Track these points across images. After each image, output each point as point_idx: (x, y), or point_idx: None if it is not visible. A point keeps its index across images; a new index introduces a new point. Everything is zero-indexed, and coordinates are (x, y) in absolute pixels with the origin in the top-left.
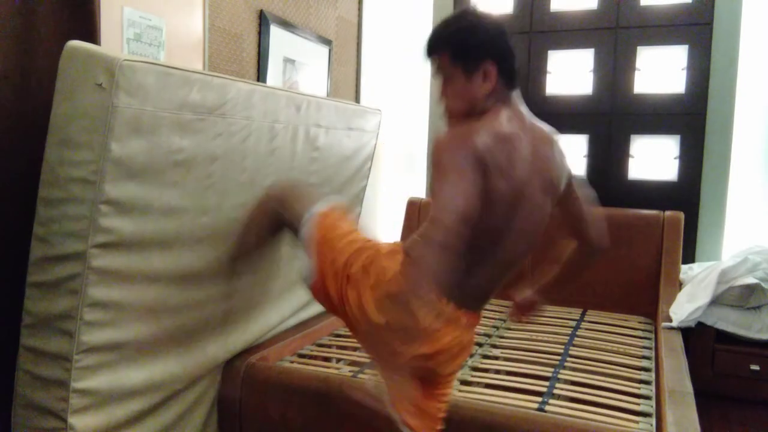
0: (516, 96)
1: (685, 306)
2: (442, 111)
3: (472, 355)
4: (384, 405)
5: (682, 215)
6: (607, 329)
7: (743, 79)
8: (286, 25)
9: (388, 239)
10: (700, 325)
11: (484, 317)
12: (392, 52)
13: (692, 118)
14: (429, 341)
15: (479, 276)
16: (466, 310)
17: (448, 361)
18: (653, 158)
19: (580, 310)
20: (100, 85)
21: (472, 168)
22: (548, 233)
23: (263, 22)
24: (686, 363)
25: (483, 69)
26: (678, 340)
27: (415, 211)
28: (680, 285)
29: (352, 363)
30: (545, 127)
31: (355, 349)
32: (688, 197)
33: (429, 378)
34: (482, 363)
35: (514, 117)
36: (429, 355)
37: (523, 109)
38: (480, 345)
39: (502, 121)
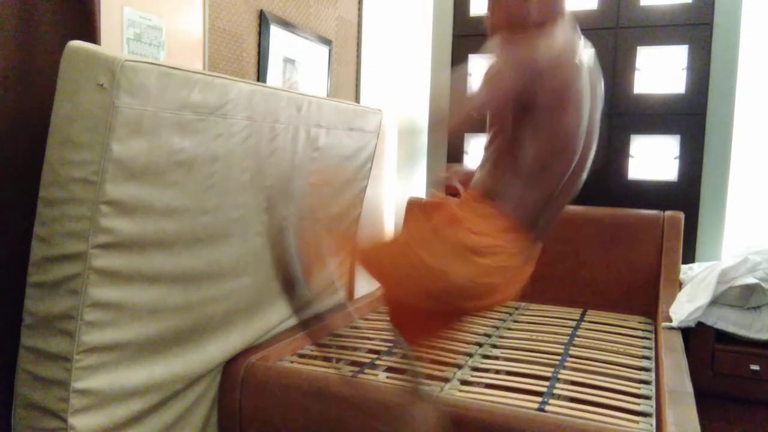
0: (570, 20)
1: (685, 306)
2: (487, 26)
3: (471, 355)
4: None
5: (682, 215)
6: (607, 329)
7: (743, 79)
8: (286, 25)
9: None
10: (700, 325)
11: (485, 317)
12: (392, 52)
13: (692, 118)
14: (493, 297)
15: (545, 210)
16: (530, 256)
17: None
18: (653, 158)
19: (580, 310)
20: (101, 85)
21: (527, 79)
22: None
23: (263, 22)
24: (686, 363)
25: None
26: (678, 340)
27: (415, 211)
28: (680, 285)
29: (352, 363)
30: (588, 50)
31: (355, 348)
32: (688, 197)
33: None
34: (482, 363)
35: (570, 36)
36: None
37: (574, 31)
38: (480, 345)
39: (559, 45)
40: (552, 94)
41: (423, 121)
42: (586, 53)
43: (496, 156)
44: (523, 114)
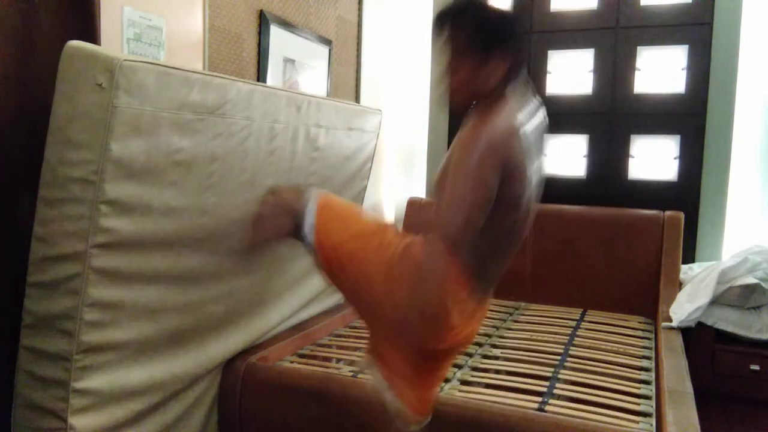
0: (522, 82)
1: (685, 306)
2: (442, 92)
3: (471, 355)
4: (383, 396)
5: (682, 215)
6: (607, 329)
7: (743, 79)
8: (286, 25)
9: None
10: (700, 325)
11: (485, 317)
12: (392, 52)
13: (692, 118)
14: (451, 335)
15: (491, 268)
16: (480, 302)
17: (459, 349)
18: (653, 158)
19: (580, 310)
20: (100, 85)
21: (495, 170)
22: None
23: (263, 22)
24: (686, 363)
25: (498, 57)
26: (678, 340)
27: (415, 211)
28: (680, 285)
29: (352, 363)
30: (539, 111)
31: (355, 349)
32: (688, 197)
33: (434, 363)
34: (482, 363)
35: (522, 109)
36: (448, 349)
37: (526, 92)
38: (480, 345)
39: (515, 117)
40: (511, 173)
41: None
42: (535, 119)
43: None
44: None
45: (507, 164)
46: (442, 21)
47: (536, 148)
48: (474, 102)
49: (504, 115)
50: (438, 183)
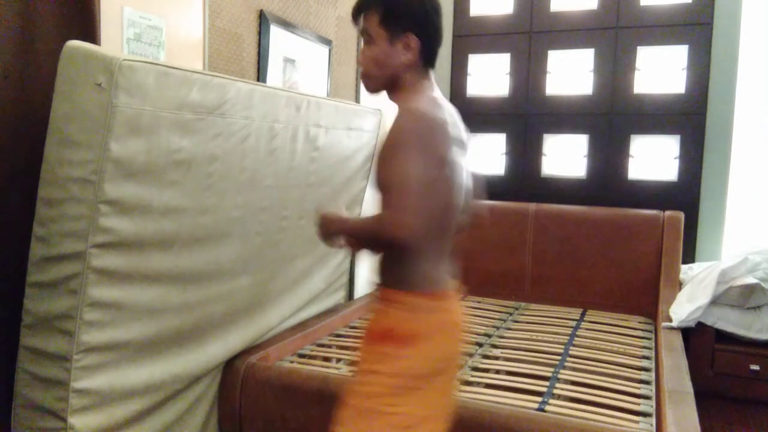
0: (432, 75)
1: (685, 306)
2: (361, 75)
3: (471, 355)
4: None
5: (682, 215)
6: (607, 329)
7: (743, 79)
8: (286, 25)
9: None
10: (700, 325)
11: (485, 317)
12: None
13: (692, 118)
14: (431, 337)
15: (437, 257)
16: (440, 292)
17: (453, 341)
18: (653, 158)
19: (580, 310)
20: (100, 84)
21: (426, 149)
22: None
23: (263, 22)
24: (686, 363)
25: (406, 39)
26: (678, 340)
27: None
28: (680, 285)
29: (352, 363)
30: (451, 107)
31: (355, 348)
32: (688, 197)
33: (447, 371)
34: (482, 363)
35: (437, 95)
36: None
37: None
38: (480, 345)
39: (434, 101)
40: (434, 153)
41: None
42: (451, 109)
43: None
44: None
45: (435, 141)
46: (355, 10)
47: (457, 137)
48: (387, 84)
49: (425, 98)
50: (377, 171)
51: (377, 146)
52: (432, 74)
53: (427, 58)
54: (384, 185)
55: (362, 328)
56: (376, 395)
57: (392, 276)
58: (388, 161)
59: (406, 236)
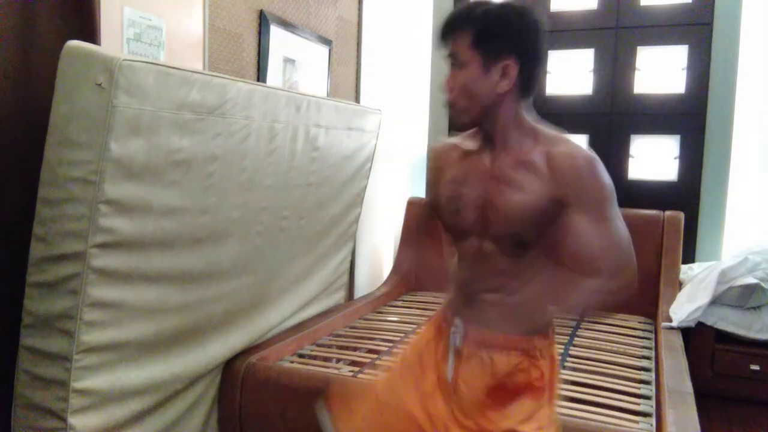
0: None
1: (685, 306)
2: (446, 103)
3: None
4: None
5: (682, 215)
6: (607, 329)
7: (743, 79)
8: (286, 25)
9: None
10: (700, 325)
11: None
12: (392, 52)
13: (692, 118)
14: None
15: None
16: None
17: None
18: (653, 158)
19: None
20: (100, 84)
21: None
22: None
23: (263, 22)
24: (686, 363)
25: (503, 65)
26: (678, 340)
27: (414, 211)
28: (680, 285)
29: (352, 363)
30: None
31: (355, 349)
32: (688, 197)
33: None
34: None
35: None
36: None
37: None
38: None
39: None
40: None
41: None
42: None
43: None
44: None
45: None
46: (445, 29)
47: None
48: (479, 117)
49: (552, 134)
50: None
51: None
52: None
53: (528, 88)
54: (605, 245)
55: (362, 328)
56: None
57: (533, 323)
58: (601, 223)
59: (630, 290)
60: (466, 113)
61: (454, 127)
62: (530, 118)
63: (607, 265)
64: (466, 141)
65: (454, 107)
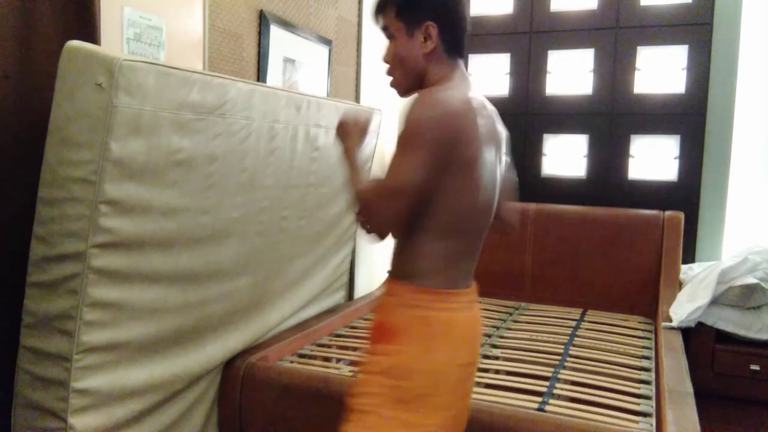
0: (463, 66)
1: (685, 306)
2: (388, 76)
3: None
4: None
5: (682, 215)
6: (607, 329)
7: (743, 79)
8: (286, 25)
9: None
10: (700, 325)
11: (485, 317)
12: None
13: (692, 118)
14: (429, 324)
15: (456, 256)
16: (451, 291)
17: (460, 345)
18: (653, 158)
19: (580, 310)
20: (100, 84)
21: (437, 146)
22: None
23: (263, 22)
24: (686, 363)
25: (424, 27)
26: (678, 340)
27: None
28: (680, 285)
29: (352, 363)
30: (486, 101)
31: (355, 348)
32: (688, 197)
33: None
34: (482, 363)
35: (469, 87)
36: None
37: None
38: (480, 345)
39: (462, 91)
40: (462, 151)
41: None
42: (486, 104)
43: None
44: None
45: (457, 136)
46: (375, 7)
47: (494, 138)
48: (414, 82)
49: (453, 87)
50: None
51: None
52: (462, 65)
53: (452, 47)
54: (385, 173)
55: (363, 328)
56: (373, 396)
57: (401, 267)
58: (395, 154)
59: (372, 230)
60: (404, 80)
61: (399, 95)
62: (460, 77)
63: (378, 182)
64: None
65: (393, 78)
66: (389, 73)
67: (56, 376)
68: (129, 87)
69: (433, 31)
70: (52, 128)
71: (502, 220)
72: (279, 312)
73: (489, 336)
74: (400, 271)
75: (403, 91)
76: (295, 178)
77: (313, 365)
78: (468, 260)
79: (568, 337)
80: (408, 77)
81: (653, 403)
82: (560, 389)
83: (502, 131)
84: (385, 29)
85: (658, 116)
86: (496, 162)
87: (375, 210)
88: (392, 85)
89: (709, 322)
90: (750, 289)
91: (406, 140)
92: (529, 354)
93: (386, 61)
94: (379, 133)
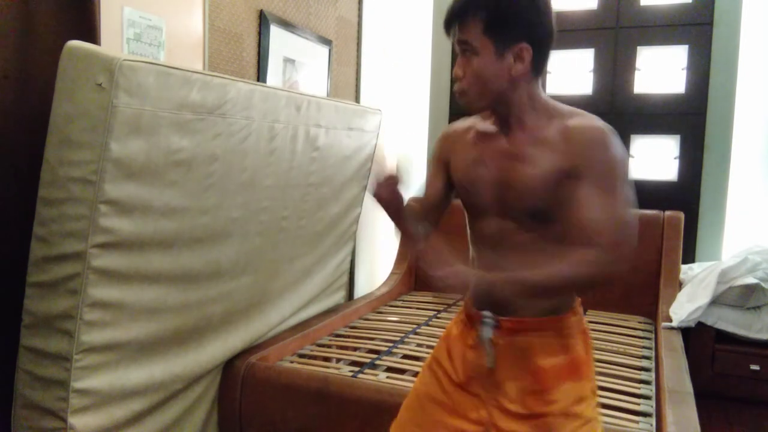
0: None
1: (685, 306)
2: (458, 92)
3: None
4: None
5: (682, 215)
6: (607, 329)
7: (743, 79)
8: (286, 25)
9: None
10: (700, 325)
11: None
12: (392, 52)
13: (692, 118)
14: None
15: None
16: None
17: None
18: (653, 158)
19: None
20: (100, 84)
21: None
22: None
23: (263, 22)
24: (686, 363)
25: (518, 49)
26: (678, 340)
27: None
28: (680, 285)
29: (352, 363)
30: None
31: (355, 349)
32: (688, 197)
33: None
34: None
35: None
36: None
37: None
38: None
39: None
40: None
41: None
42: None
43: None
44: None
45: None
46: (451, 16)
47: None
48: (493, 102)
49: (567, 110)
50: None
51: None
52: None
53: (539, 68)
54: (598, 219)
55: (362, 328)
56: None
57: (558, 300)
58: (607, 196)
59: (625, 267)
60: (480, 99)
61: (470, 109)
62: (543, 95)
63: (607, 238)
64: (479, 122)
65: (466, 95)
66: (461, 87)
67: (56, 376)
68: (129, 87)
69: (527, 55)
70: (52, 128)
71: None
72: (279, 312)
73: None
74: (555, 304)
75: (475, 109)
76: (295, 178)
77: (313, 365)
78: None
79: None
80: (486, 98)
81: (653, 403)
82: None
83: None
84: (464, 43)
85: (658, 116)
86: None
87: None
88: (465, 101)
89: (709, 322)
90: (750, 289)
91: (618, 172)
92: None
93: (460, 77)
94: (379, 133)
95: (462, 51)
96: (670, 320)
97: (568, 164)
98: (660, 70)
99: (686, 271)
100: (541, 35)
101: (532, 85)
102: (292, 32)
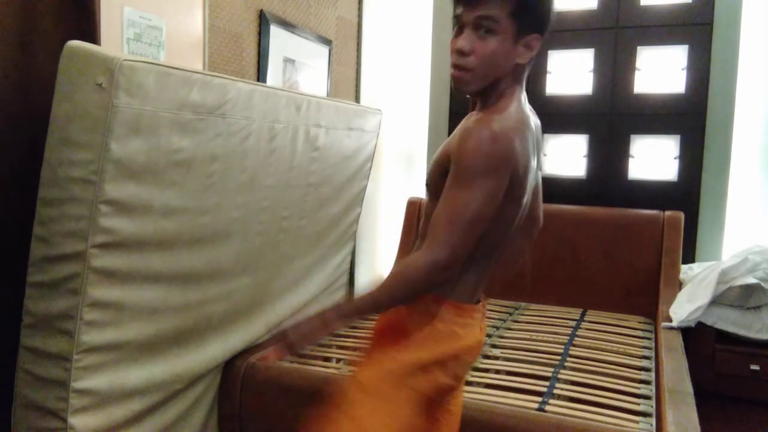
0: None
1: (685, 306)
2: (459, 67)
3: None
4: None
5: (682, 215)
6: (607, 329)
7: (743, 79)
8: (286, 25)
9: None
10: (700, 325)
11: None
12: (392, 52)
13: (692, 118)
14: (451, 340)
15: (478, 271)
16: (469, 307)
17: (470, 361)
18: (653, 158)
19: (580, 310)
20: (100, 84)
21: (502, 176)
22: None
23: (263, 22)
24: (686, 363)
25: (531, 38)
26: (678, 340)
27: (414, 211)
28: (680, 285)
29: (352, 363)
30: (533, 114)
31: (355, 348)
32: (688, 197)
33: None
34: (482, 363)
35: (526, 108)
36: (454, 356)
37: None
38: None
39: (522, 110)
40: (515, 175)
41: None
42: (534, 116)
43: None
44: None
45: (515, 166)
46: None
47: (537, 146)
48: (487, 86)
49: (514, 108)
50: (433, 178)
51: (439, 153)
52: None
53: (533, 60)
54: (435, 213)
55: (362, 328)
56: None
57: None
58: (449, 189)
59: (441, 272)
60: (482, 81)
61: (462, 91)
62: (521, 90)
63: (434, 237)
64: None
65: (468, 73)
66: (466, 63)
67: (56, 376)
68: (129, 87)
69: (536, 45)
70: (52, 128)
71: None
72: (279, 312)
73: (489, 336)
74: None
75: (472, 91)
76: (295, 178)
77: (313, 365)
78: (488, 273)
79: (568, 337)
80: (485, 81)
81: (653, 403)
82: (560, 389)
83: (540, 132)
84: (486, 19)
85: (658, 116)
86: (537, 170)
87: None
88: (464, 78)
89: (709, 322)
90: (750, 289)
91: (468, 167)
92: (529, 354)
93: (467, 52)
94: (379, 133)
95: (477, 27)
96: (670, 320)
97: (446, 158)
98: (660, 70)
99: (686, 271)
100: (547, 30)
101: (520, 79)
102: (292, 32)
